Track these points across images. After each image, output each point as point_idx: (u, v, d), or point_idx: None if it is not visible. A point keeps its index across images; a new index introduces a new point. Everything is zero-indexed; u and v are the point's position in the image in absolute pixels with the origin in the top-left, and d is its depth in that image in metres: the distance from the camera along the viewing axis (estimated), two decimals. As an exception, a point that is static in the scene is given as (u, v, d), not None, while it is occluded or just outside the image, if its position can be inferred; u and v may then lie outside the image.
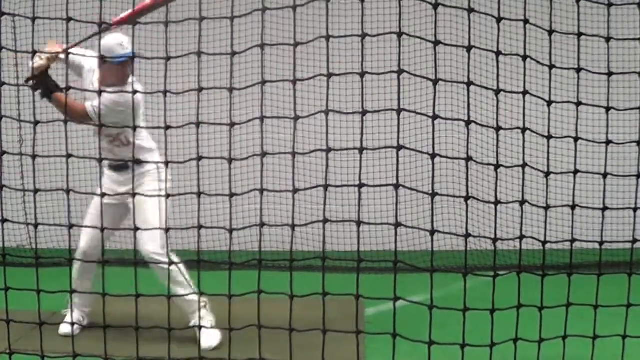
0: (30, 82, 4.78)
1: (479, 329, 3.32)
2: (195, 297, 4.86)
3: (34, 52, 3.28)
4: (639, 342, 3.67)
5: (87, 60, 5.02)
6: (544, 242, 3.51)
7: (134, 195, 3.57)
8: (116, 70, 4.86)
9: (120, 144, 5.06)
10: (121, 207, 5.15)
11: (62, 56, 4.72)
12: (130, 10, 4.49)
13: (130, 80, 4.95)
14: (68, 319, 5.17)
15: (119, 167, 5.14)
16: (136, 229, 3.60)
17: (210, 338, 4.93)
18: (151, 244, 4.88)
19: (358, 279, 3.35)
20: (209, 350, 4.77)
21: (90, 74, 5.03)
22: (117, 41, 4.84)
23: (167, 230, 3.60)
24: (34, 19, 3.33)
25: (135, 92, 3.81)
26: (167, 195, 3.53)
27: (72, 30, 3.37)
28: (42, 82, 4.78)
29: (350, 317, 3.76)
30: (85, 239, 5.13)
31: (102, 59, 4.82)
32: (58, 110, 4.87)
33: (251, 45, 3.45)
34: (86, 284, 5.08)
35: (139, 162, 4.99)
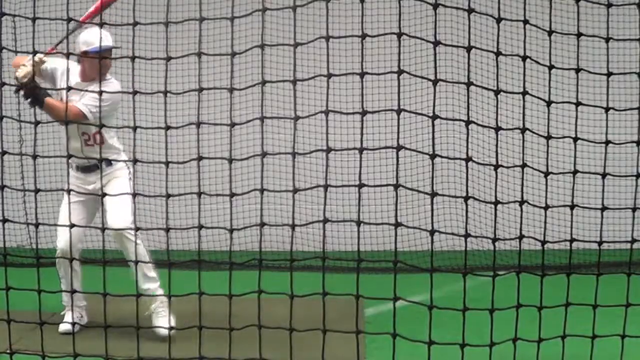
0: (21, 92, 4.83)
1: (479, 328, 3.33)
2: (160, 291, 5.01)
3: (34, 52, 3.28)
4: (638, 341, 3.68)
5: (59, 62, 5.05)
6: (543, 242, 3.51)
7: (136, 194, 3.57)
8: (96, 63, 4.88)
9: (94, 143, 5.10)
10: (90, 202, 5.19)
11: (44, 59, 4.80)
12: (93, 7, 4.61)
13: (109, 74, 5.05)
14: (67, 318, 5.18)
15: (88, 167, 5.15)
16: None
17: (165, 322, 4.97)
18: (120, 222, 4.92)
19: (358, 279, 3.36)
20: (167, 331, 4.77)
21: (64, 76, 5.06)
22: (96, 34, 4.89)
23: (167, 230, 3.59)
24: (34, 19, 3.34)
25: (135, 92, 3.78)
26: (168, 195, 3.51)
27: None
28: (32, 90, 4.81)
29: (350, 317, 3.76)
30: (62, 239, 5.09)
31: (84, 53, 4.90)
32: (49, 114, 4.90)
33: (251, 46, 3.45)
34: (75, 283, 5.12)
35: (109, 162, 5.11)
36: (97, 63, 4.86)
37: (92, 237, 6.30)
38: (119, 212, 4.86)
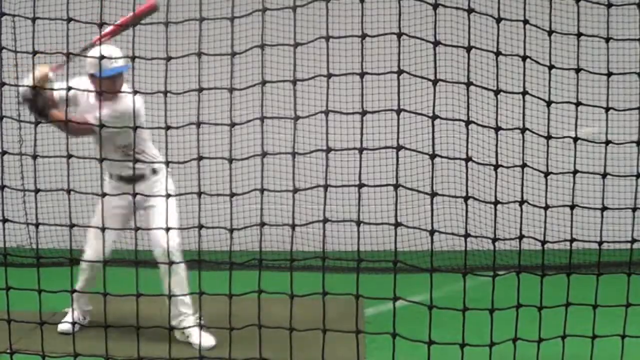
0: (26, 105, 4.74)
1: (479, 328, 3.33)
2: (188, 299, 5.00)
3: (34, 52, 3.28)
4: (638, 341, 3.68)
5: (76, 84, 4.94)
6: (543, 242, 3.51)
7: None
8: (107, 84, 4.79)
9: (134, 153, 5.03)
10: (129, 214, 5.18)
11: (50, 74, 4.72)
12: (112, 26, 4.54)
13: (124, 89, 4.99)
14: (68, 318, 5.19)
15: (133, 178, 5.04)
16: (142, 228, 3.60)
17: (208, 338, 4.96)
18: (171, 241, 4.89)
19: (358, 279, 3.36)
20: (207, 349, 4.80)
21: (85, 94, 4.99)
22: (106, 54, 4.74)
23: (167, 230, 3.60)
24: (34, 19, 3.34)
25: (135, 92, 3.78)
26: (168, 195, 3.53)
27: (72, 31, 3.37)
28: (35, 104, 4.71)
29: (350, 317, 3.77)
30: (93, 248, 5.09)
31: (91, 76, 4.85)
32: (58, 128, 4.85)
33: (251, 46, 3.45)
34: (90, 286, 5.13)
35: (154, 171, 5.09)
36: (106, 85, 4.75)
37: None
38: (168, 233, 4.82)
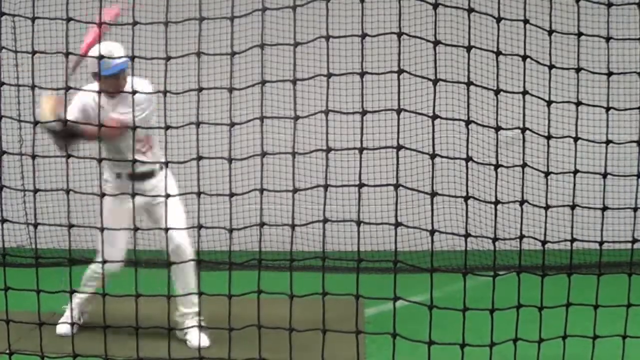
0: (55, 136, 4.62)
1: (479, 328, 3.32)
2: (195, 298, 4.90)
3: (34, 52, 3.27)
4: (639, 342, 3.68)
5: (83, 96, 4.87)
6: (544, 242, 3.51)
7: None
8: (111, 80, 4.79)
9: (148, 148, 5.00)
10: (140, 211, 5.14)
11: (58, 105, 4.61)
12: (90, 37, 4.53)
13: (129, 81, 4.94)
14: (66, 318, 5.16)
15: (144, 175, 4.98)
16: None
17: (204, 339, 4.97)
18: (187, 238, 4.94)
19: (358, 279, 3.36)
20: (204, 348, 4.77)
21: (94, 103, 4.90)
22: (105, 52, 4.64)
23: (166, 230, 3.59)
24: (34, 19, 3.33)
25: (135, 92, 3.74)
26: (167, 195, 3.51)
27: (72, 31, 3.37)
28: (64, 134, 4.60)
29: (350, 317, 3.76)
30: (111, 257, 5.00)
31: (94, 75, 4.79)
32: (91, 140, 4.64)
33: (251, 45, 3.45)
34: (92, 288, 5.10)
35: (162, 167, 4.99)
36: (111, 82, 4.74)
37: (92, 237, 6.29)
38: (183, 230, 4.79)
